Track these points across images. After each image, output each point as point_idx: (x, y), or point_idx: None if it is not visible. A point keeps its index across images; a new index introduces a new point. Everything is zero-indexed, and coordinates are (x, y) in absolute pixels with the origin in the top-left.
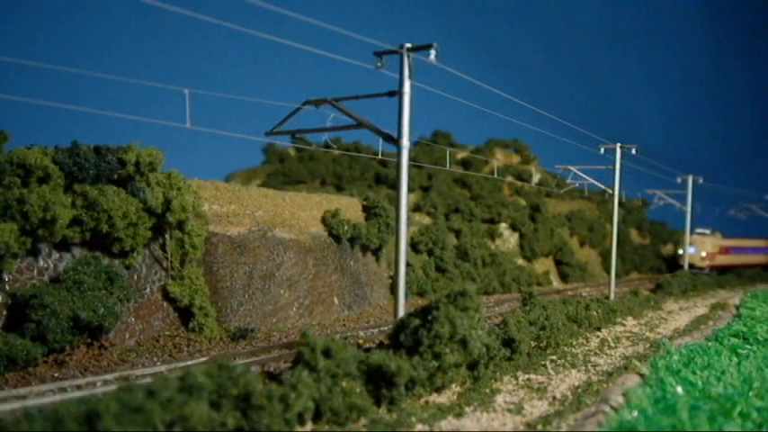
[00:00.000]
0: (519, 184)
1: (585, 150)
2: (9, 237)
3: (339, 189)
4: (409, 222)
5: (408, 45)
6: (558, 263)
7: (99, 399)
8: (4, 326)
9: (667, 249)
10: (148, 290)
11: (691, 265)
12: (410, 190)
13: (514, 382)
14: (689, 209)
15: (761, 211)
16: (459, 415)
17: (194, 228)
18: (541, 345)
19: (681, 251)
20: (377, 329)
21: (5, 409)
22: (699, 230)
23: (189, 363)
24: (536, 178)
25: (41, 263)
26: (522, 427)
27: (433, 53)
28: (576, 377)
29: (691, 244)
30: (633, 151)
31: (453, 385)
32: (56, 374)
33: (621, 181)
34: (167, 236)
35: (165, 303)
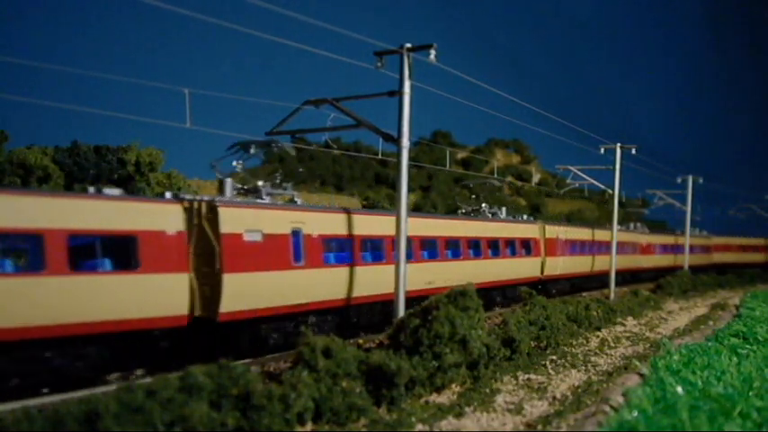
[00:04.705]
0: (519, 184)
1: (585, 150)
2: None
3: (339, 189)
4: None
5: (408, 45)
6: None
7: (99, 399)
8: None
9: None
10: None
11: None
12: (410, 190)
13: (514, 382)
14: (689, 209)
15: (761, 211)
16: (459, 415)
17: None
18: (541, 345)
19: None
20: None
21: (5, 409)
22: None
23: None
24: (536, 178)
25: None
26: (522, 427)
27: (432, 53)
28: (576, 377)
29: None
30: (633, 151)
31: (453, 385)
32: None
33: (621, 181)
34: None
35: None
